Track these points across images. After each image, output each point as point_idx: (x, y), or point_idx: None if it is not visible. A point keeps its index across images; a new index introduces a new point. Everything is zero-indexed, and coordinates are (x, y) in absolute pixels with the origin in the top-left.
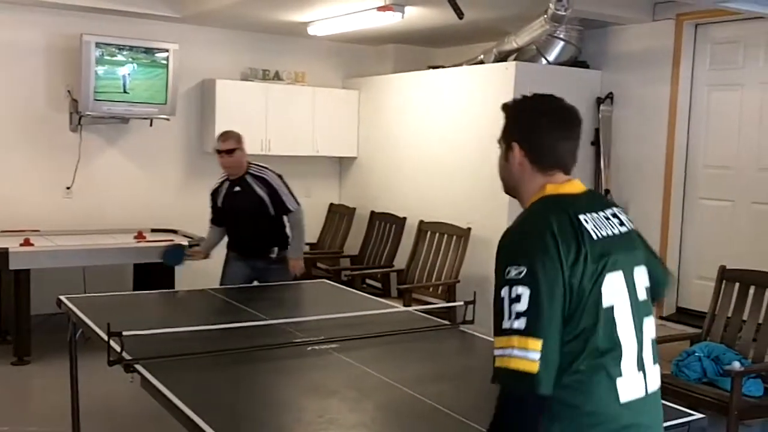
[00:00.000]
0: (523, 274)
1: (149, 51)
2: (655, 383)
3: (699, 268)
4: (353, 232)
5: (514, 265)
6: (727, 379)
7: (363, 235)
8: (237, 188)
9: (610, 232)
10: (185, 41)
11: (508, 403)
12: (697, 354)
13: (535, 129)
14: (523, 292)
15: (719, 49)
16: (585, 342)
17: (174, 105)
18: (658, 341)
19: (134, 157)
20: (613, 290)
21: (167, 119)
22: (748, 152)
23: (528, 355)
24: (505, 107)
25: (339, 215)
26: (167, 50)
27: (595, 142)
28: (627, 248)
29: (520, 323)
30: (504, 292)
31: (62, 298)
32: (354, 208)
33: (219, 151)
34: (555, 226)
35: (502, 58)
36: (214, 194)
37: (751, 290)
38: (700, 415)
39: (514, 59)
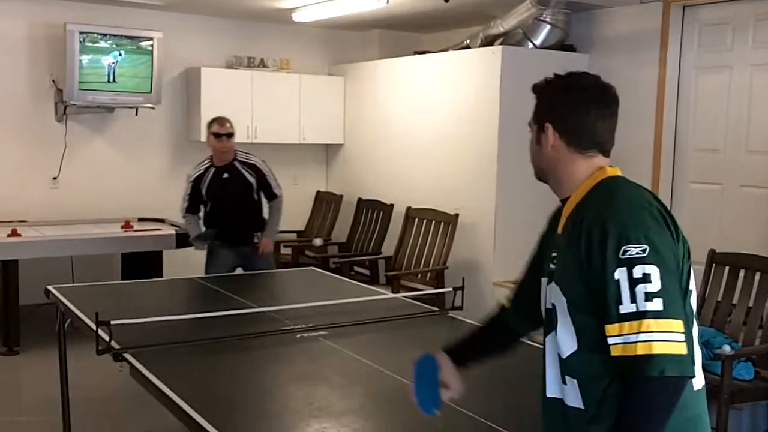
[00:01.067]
0: (647, 252)
1: (133, 39)
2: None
3: None
4: (341, 220)
5: (633, 243)
6: (718, 362)
7: (350, 223)
8: (225, 175)
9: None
10: (170, 29)
11: (661, 392)
12: None
13: (570, 108)
14: (652, 271)
15: (707, 31)
16: (687, 326)
17: (159, 94)
18: None
19: (120, 146)
20: (690, 278)
21: (152, 108)
22: (736, 135)
23: (674, 337)
24: (536, 87)
25: (326, 203)
26: (152, 38)
27: None
28: (682, 240)
29: (655, 304)
30: (620, 273)
31: (50, 288)
32: (341, 196)
33: (218, 135)
34: (654, 203)
35: (488, 42)
36: (197, 181)
37: (741, 274)
38: None
39: (501, 44)
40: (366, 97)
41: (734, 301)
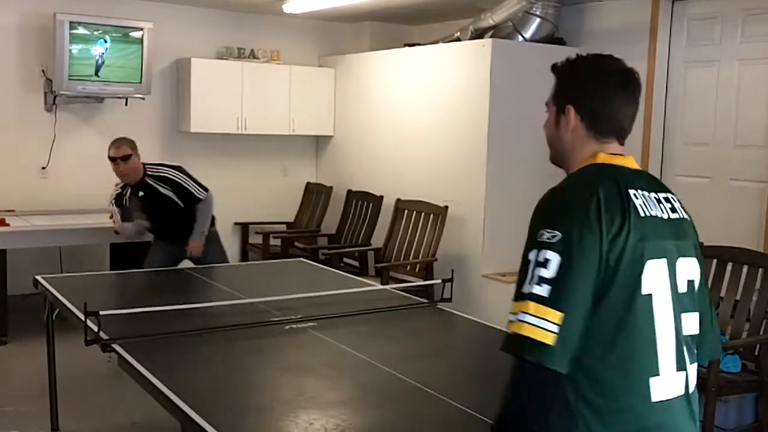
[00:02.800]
0: (557, 239)
1: (124, 30)
2: (693, 382)
3: None
4: (330, 211)
5: (549, 228)
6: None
7: (340, 214)
8: (141, 193)
9: (659, 215)
10: (160, 20)
11: (520, 373)
12: None
13: (596, 91)
14: (553, 258)
15: (696, 25)
16: (618, 329)
17: (149, 84)
18: None
19: (110, 136)
20: (655, 278)
21: (142, 98)
22: (725, 129)
23: (544, 324)
24: (558, 67)
25: (316, 194)
26: (142, 29)
27: None
28: (675, 236)
29: (542, 290)
30: (532, 255)
31: (39, 278)
32: (331, 187)
33: (113, 159)
34: (602, 195)
35: (478, 35)
36: (119, 200)
37: (729, 267)
38: None
39: (491, 36)
40: (356, 89)
41: (722, 294)
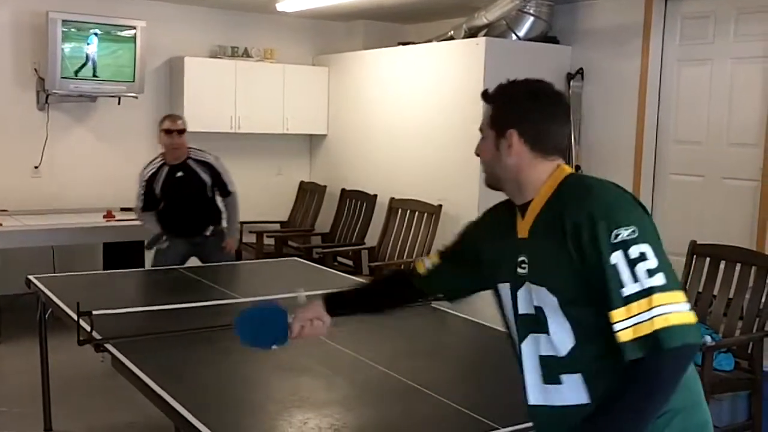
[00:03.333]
0: (637, 233)
1: (116, 28)
2: None
3: (669, 243)
4: (324, 210)
5: (622, 226)
6: (698, 353)
7: (334, 213)
8: (180, 173)
9: None
10: (153, 18)
11: (676, 362)
12: None
13: (538, 115)
14: (646, 249)
15: (689, 24)
16: None
17: (142, 83)
18: None
19: (102, 135)
20: None
21: (135, 97)
22: (718, 127)
23: (683, 307)
24: (491, 94)
25: (310, 193)
26: (134, 27)
27: None
28: None
29: (658, 279)
30: (616, 257)
31: (31, 277)
32: (325, 186)
33: (169, 131)
34: (629, 194)
35: (472, 33)
36: (151, 180)
37: (722, 265)
38: None
39: (484, 35)
40: (350, 88)
41: (715, 293)
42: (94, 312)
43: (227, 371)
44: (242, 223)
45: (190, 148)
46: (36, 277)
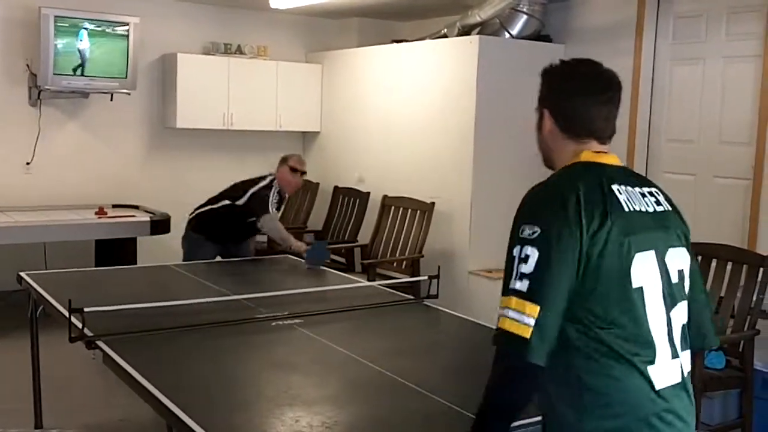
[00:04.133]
0: (536, 235)
1: (109, 24)
2: (686, 368)
3: None
4: (317, 207)
5: (530, 224)
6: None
7: (327, 210)
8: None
9: (644, 209)
10: (146, 14)
11: (500, 366)
12: None
13: (566, 95)
14: (532, 253)
15: (682, 22)
16: (611, 323)
17: (135, 79)
18: None
19: (95, 132)
20: (644, 271)
21: (128, 94)
22: (710, 126)
23: (523, 318)
24: (542, 72)
25: (302, 190)
26: (127, 24)
27: None
28: (661, 227)
29: (522, 285)
30: (515, 251)
31: (23, 274)
32: (317, 183)
33: (303, 172)
34: (582, 192)
35: (465, 32)
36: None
37: (713, 263)
38: None
39: (478, 33)
40: (343, 85)
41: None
42: (86, 309)
43: (219, 368)
44: None
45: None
46: (27, 274)
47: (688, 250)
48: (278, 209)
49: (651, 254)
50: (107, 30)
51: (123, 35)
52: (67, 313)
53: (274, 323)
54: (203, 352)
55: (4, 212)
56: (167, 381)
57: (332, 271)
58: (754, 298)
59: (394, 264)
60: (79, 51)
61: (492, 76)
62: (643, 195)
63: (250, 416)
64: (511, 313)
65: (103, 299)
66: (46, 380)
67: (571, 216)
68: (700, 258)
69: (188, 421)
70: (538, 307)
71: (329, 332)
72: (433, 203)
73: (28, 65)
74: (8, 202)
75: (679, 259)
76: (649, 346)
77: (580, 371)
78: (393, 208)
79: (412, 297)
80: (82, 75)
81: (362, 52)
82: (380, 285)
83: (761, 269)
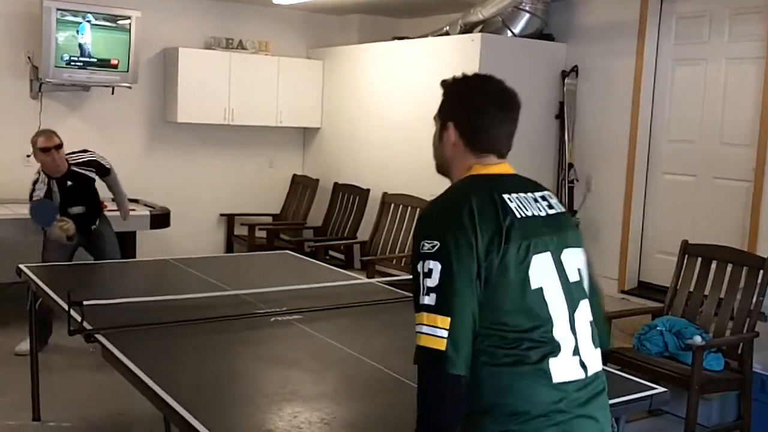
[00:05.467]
0: (435, 248)
1: (111, 18)
2: (595, 366)
3: (661, 243)
4: (316, 204)
5: (428, 239)
6: (689, 353)
7: (326, 207)
8: (69, 183)
9: (536, 213)
10: (148, 8)
11: (424, 385)
12: (659, 328)
13: (474, 110)
14: (434, 266)
15: (684, 23)
16: (513, 325)
17: (136, 73)
18: (620, 315)
19: (95, 125)
20: (541, 272)
21: (129, 87)
22: (711, 127)
23: (436, 332)
24: (444, 84)
25: (302, 186)
26: (129, 17)
27: (560, 116)
28: (555, 229)
29: (430, 299)
30: (419, 266)
31: (22, 267)
32: (317, 179)
33: (47, 149)
34: (474, 203)
35: (467, 29)
36: (48, 195)
37: (713, 265)
38: (662, 389)
39: (480, 31)
40: (344, 81)
41: (706, 292)
42: (85, 302)
43: (217, 363)
44: (234, 215)
45: (66, 156)
46: (27, 266)
47: (583, 250)
48: (55, 199)
49: (547, 256)
50: (109, 23)
51: (125, 29)
52: (66, 306)
53: (273, 319)
54: (202, 347)
55: (4, 204)
56: (165, 375)
57: (332, 267)
58: (754, 300)
59: (394, 261)
60: (81, 44)
61: (494, 74)
62: (536, 200)
63: (248, 411)
64: (424, 329)
65: (103, 293)
66: (45, 373)
67: (467, 227)
68: (699, 260)
69: (186, 415)
70: (449, 319)
71: (328, 328)
72: None
73: (29, 58)
74: (8, 194)
75: (575, 259)
76: (551, 342)
77: (483, 373)
78: (393, 205)
79: (411, 294)
80: (83, 68)
81: (363, 48)
82: (379, 282)
83: (761, 271)
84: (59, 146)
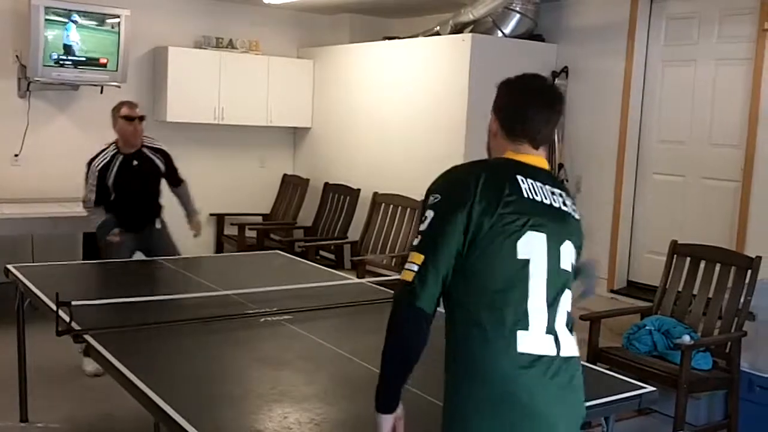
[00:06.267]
0: (436, 200)
1: (100, 16)
2: (570, 350)
3: (650, 243)
4: (307, 204)
5: (434, 193)
6: (677, 352)
7: (317, 207)
8: (135, 162)
9: (545, 201)
10: (137, 7)
11: (391, 311)
12: (647, 327)
13: (510, 101)
14: (429, 215)
15: (674, 24)
16: (493, 291)
17: (125, 72)
18: (609, 315)
19: (84, 124)
20: (532, 247)
21: (118, 86)
22: (700, 128)
23: (411, 267)
24: (499, 84)
25: (292, 186)
26: (119, 16)
27: None
28: (559, 222)
29: (417, 240)
30: (422, 215)
31: (10, 267)
32: (308, 179)
33: (130, 118)
34: (485, 173)
35: (458, 29)
36: (104, 170)
37: (702, 265)
38: (651, 388)
39: (471, 31)
40: (335, 81)
41: (694, 292)
42: (73, 302)
43: (207, 364)
44: (225, 214)
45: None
46: (15, 266)
47: (578, 254)
48: (109, 180)
49: (542, 235)
50: (98, 22)
51: (114, 28)
52: (54, 307)
53: (263, 319)
54: (191, 347)
55: None
56: (155, 376)
57: (322, 267)
58: (742, 300)
59: (384, 261)
60: (70, 43)
61: (484, 74)
62: (552, 192)
63: (238, 412)
64: (407, 265)
65: (91, 293)
66: (33, 374)
67: (469, 188)
68: (688, 259)
69: (175, 416)
70: (423, 256)
71: (318, 329)
72: (423, 201)
73: (17, 56)
74: None
75: (573, 255)
76: (525, 315)
77: (458, 332)
78: (383, 205)
79: None
80: (72, 67)
81: (354, 48)
82: (370, 282)
83: (749, 271)
84: (143, 118)
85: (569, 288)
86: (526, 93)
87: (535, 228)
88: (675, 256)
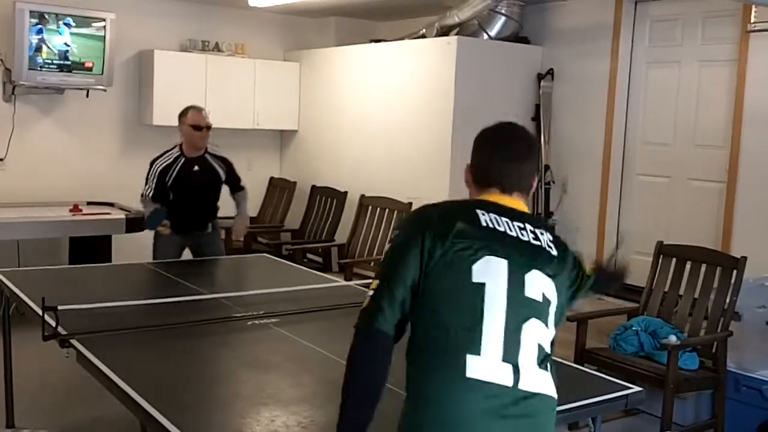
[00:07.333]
0: (396, 235)
1: (85, 20)
2: (534, 386)
3: (636, 244)
4: (294, 207)
5: (398, 229)
6: (664, 352)
7: (304, 210)
8: (196, 167)
9: (509, 232)
10: (122, 10)
11: (354, 335)
12: (634, 328)
13: (479, 156)
14: (389, 248)
15: (658, 26)
16: (446, 314)
17: (111, 75)
18: (596, 315)
19: (70, 128)
20: (489, 271)
21: (104, 90)
22: (684, 129)
23: (368, 294)
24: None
25: (279, 189)
26: (104, 19)
27: (536, 118)
28: (526, 252)
29: (378, 271)
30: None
31: None
32: (295, 182)
33: (199, 127)
34: (444, 210)
35: (444, 32)
36: (165, 171)
37: (688, 265)
38: (638, 388)
39: (456, 34)
40: (321, 84)
41: (680, 292)
42: (60, 307)
43: (194, 367)
44: None
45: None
46: (0, 271)
47: (558, 292)
48: (169, 181)
49: (502, 260)
50: (83, 25)
51: (99, 31)
52: (40, 311)
53: (250, 323)
54: (178, 351)
55: None
56: (142, 380)
57: (309, 270)
58: (728, 300)
59: (371, 264)
60: (55, 46)
61: (470, 76)
62: (521, 228)
63: (225, 416)
64: (369, 292)
65: (78, 297)
66: (19, 379)
67: (425, 224)
68: (674, 260)
69: (163, 420)
70: (378, 282)
71: (305, 332)
72: (410, 203)
73: (2, 60)
74: None
75: (546, 286)
76: (477, 339)
77: (409, 362)
78: (370, 208)
79: None
80: (58, 71)
81: (340, 51)
82: (357, 285)
83: (734, 271)
84: (210, 127)
85: (544, 321)
86: (493, 147)
87: (493, 253)
88: (661, 256)
